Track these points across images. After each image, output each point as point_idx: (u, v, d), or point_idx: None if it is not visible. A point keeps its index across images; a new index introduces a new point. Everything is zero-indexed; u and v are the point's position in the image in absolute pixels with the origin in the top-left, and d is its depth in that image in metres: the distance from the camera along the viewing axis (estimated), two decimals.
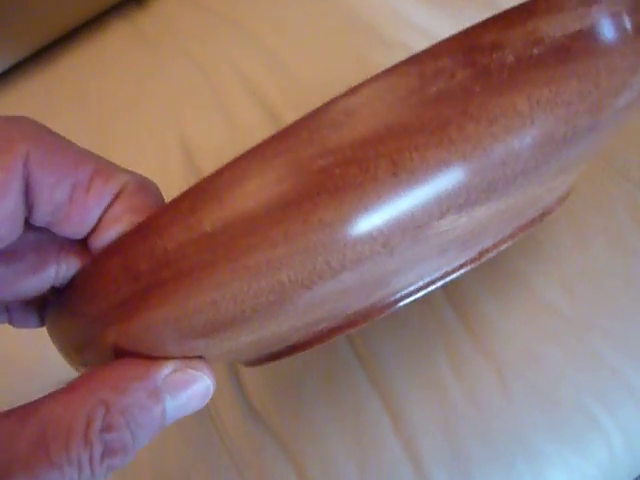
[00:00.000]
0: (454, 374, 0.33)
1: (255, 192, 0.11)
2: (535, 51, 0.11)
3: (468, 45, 0.12)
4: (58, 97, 0.36)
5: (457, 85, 0.11)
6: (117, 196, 0.14)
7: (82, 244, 0.15)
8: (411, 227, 0.11)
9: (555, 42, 0.12)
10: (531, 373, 0.32)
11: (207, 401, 0.15)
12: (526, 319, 0.33)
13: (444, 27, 0.38)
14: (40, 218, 0.14)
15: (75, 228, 0.14)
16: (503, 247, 0.17)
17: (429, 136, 0.11)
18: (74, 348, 0.16)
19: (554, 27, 0.12)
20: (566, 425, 0.32)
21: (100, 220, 0.14)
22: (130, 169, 0.34)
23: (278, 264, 0.11)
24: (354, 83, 0.41)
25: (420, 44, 0.39)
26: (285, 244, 0.11)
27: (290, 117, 0.36)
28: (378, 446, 0.32)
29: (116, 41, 0.38)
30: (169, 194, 0.35)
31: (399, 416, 0.32)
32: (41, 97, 0.36)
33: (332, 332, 0.17)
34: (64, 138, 0.15)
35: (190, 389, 0.15)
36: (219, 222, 0.11)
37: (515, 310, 0.33)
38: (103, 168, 0.14)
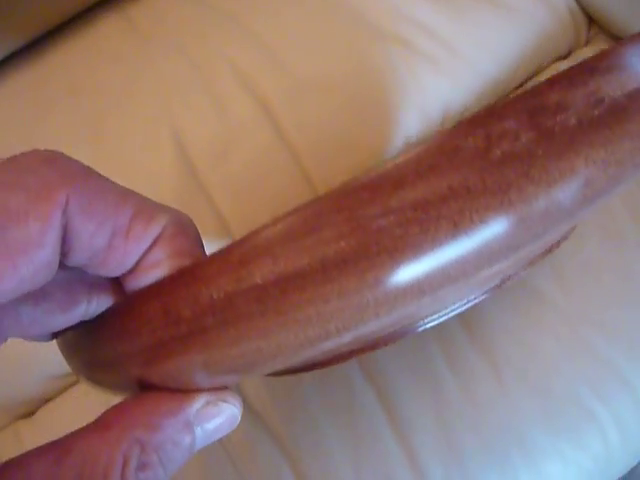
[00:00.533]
0: (449, 367, 0.33)
1: (311, 248, 0.11)
2: (596, 112, 0.12)
3: (533, 106, 0.12)
4: (49, 91, 0.36)
5: (521, 147, 0.11)
6: (157, 240, 0.14)
7: (115, 280, 0.15)
8: (461, 279, 0.12)
9: (614, 102, 0.12)
10: (525, 365, 0.33)
11: (234, 427, 0.16)
12: (521, 312, 0.33)
13: (441, 20, 0.38)
14: (76, 261, 0.13)
15: (111, 271, 0.14)
16: (523, 274, 0.17)
17: (491, 198, 0.11)
18: (89, 369, 0.16)
19: (614, 86, 0.12)
20: (561, 417, 0.33)
21: (138, 262, 0.14)
22: (123, 164, 0.34)
23: (328, 317, 0.11)
24: (349, 76, 0.40)
25: (418, 38, 0.39)
26: (338, 300, 0.11)
27: (284, 110, 0.36)
28: (373, 440, 0.32)
29: (108, 34, 0.37)
30: (161, 188, 0.35)
31: (394, 410, 0.32)
32: (32, 91, 0.36)
33: (353, 353, 0.18)
34: (104, 178, 0.14)
35: (219, 418, 0.15)
36: (271, 276, 0.11)
37: (510, 303, 0.33)
38: (143, 210, 0.13)
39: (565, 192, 0.12)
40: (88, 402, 0.33)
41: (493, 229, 0.11)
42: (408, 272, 0.11)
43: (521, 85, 0.42)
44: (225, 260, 0.12)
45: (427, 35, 0.38)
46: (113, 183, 0.14)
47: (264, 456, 0.32)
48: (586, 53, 0.43)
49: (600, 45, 0.43)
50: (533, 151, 0.11)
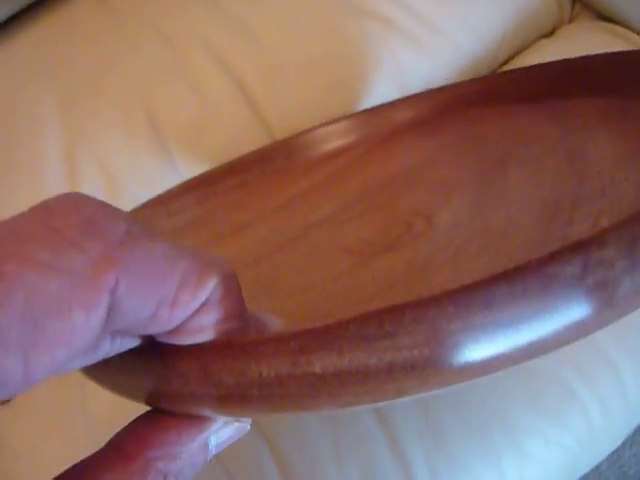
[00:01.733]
0: None
1: (382, 351, 0.11)
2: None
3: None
4: (22, 70, 0.35)
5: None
6: (203, 304, 0.13)
7: None
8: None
9: None
10: None
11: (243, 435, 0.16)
12: None
13: None
14: (114, 329, 0.12)
15: (149, 332, 0.13)
16: None
17: None
18: (104, 384, 0.16)
19: None
20: (543, 397, 0.32)
21: (180, 325, 0.13)
22: (98, 145, 0.34)
23: (380, 400, 0.12)
24: (327, 55, 0.40)
25: (398, 16, 0.38)
26: (396, 395, 0.11)
27: (260, 89, 0.35)
28: (353, 421, 0.31)
29: (82, 13, 0.37)
30: (135, 167, 0.34)
31: None
32: (4, 70, 0.35)
33: None
34: (147, 238, 0.12)
35: (231, 431, 0.15)
36: (332, 368, 0.11)
37: None
38: (190, 276, 0.12)
39: None
40: (65, 383, 0.33)
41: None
42: (465, 377, 0.12)
43: (505, 63, 0.41)
44: (283, 345, 0.12)
45: (407, 13, 0.37)
46: (158, 243, 0.12)
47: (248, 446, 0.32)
48: (570, 30, 0.43)
49: (584, 22, 0.42)
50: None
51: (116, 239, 0.11)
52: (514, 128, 0.30)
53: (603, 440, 0.34)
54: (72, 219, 0.10)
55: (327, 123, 0.35)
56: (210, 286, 0.12)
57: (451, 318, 0.11)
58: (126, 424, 0.14)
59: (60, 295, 0.10)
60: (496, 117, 0.32)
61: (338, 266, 0.23)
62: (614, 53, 0.29)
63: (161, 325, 0.12)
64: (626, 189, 0.21)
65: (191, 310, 0.12)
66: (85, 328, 0.10)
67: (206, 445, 0.14)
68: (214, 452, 0.15)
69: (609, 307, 0.11)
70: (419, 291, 0.19)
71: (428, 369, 0.11)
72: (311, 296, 0.22)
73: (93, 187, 0.33)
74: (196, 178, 0.33)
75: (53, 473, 0.13)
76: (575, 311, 0.11)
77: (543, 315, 0.11)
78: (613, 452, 0.36)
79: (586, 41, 0.40)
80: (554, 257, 0.12)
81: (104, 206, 0.12)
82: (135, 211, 0.30)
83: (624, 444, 0.39)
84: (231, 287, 0.13)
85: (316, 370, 0.11)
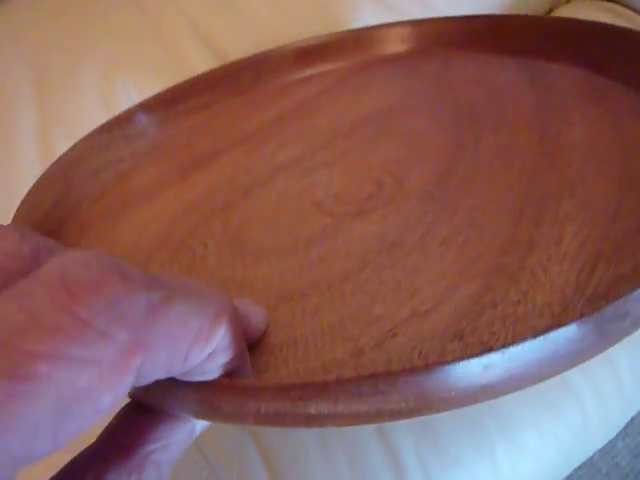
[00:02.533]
0: None
1: (373, 403, 0.12)
2: None
3: None
4: None
5: None
6: (210, 354, 0.13)
7: None
8: None
9: None
10: None
11: None
12: None
13: None
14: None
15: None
16: None
17: None
18: None
19: None
20: (538, 387, 0.31)
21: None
22: (73, 123, 0.32)
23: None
24: (316, 33, 0.38)
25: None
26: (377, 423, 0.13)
27: None
28: None
29: None
30: None
31: None
32: None
33: None
34: (165, 301, 0.12)
35: None
36: (326, 411, 0.13)
37: None
38: (202, 331, 0.12)
39: None
40: None
41: None
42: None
43: None
44: (283, 392, 0.13)
45: None
46: (173, 305, 0.12)
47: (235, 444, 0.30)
48: (568, 9, 0.42)
49: (583, 1, 0.41)
50: None
51: (140, 319, 0.11)
52: (492, 84, 0.29)
53: (598, 431, 0.33)
54: (96, 304, 0.10)
55: (298, 42, 0.34)
56: (218, 338, 0.13)
57: (436, 383, 0.12)
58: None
59: (90, 385, 0.10)
60: (475, 66, 0.31)
61: (309, 227, 0.23)
62: (611, 27, 0.28)
63: (171, 373, 0.12)
64: (592, 190, 0.21)
65: (200, 360, 0.13)
66: (111, 405, 0.11)
67: (193, 431, 0.15)
68: (198, 434, 0.15)
69: None
70: (390, 276, 0.19)
71: (411, 414, 0.13)
72: (283, 264, 0.21)
73: None
74: (156, 97, 0.31)
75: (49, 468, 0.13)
76: None
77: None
78: (606, 443, 0.35)
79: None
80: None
81: (122, 275, 0.11)
82: (92, 136, 0.28)
83: (617, 435, 0.39)
84: (235, 330, 0.14)
85: (311, 412, 0.13)
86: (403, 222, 0.22)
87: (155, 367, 0.11)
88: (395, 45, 0.34)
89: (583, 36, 0.28)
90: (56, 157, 0.28)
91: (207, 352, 0.13)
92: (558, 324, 0.13)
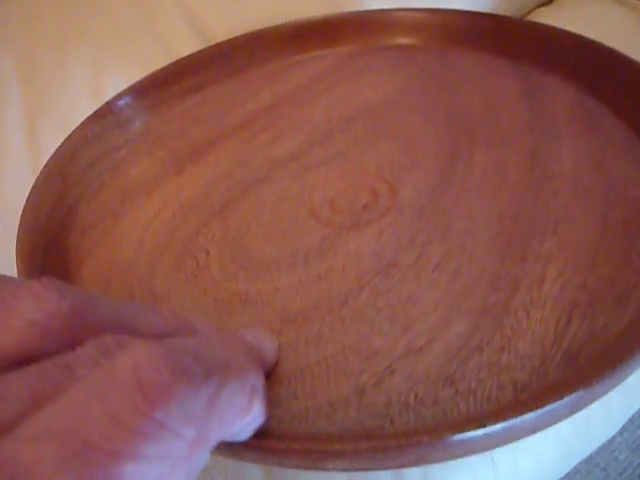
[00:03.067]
0: None
1: (381, 462, 0.14)
2: None
3: None
4: None
5: None
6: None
7: None
8: None
9: None
10: None
11: None
12: None
13: None
14: None
15: None
16: None
17: None
18: None
19: None
20: None
21: None
22: (61, 112, 0.31)
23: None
24: (306, 13, 0.36)
25: None
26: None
27: None
28: None
29: None
30: None
31: None
32: None
33: None
34: (218, 384, 0.13)
35: None
36: (340, 467, 0.15)
37: None
38: (243, 409, 0.14)
39: None
40: None
41: None
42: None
43: None
44: (305, 454, 0.15)
45: None
46: (223, 391, 0.13)
47: None
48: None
49: None
50: None
51: (202, 414, 0.12)
52: (487, 89, 0.30)
53: (599, 427, 0.33)
54: (170, 408, 0.11)
55: (295, 21, 0.34)
56: (255, 410, 0.14)
57: (438, 450, 0.14)
58: None
59: (163, 475, 0.11)
60: (472, 67, 0.31)
61: (307, 237, 0.24)
62: (608, 51, 0.28)
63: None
64: (574, 229, 0.22)
65: (238, 429, 0.14)
66: None
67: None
68: None
69: None
70: (386, 303, 0.21)
71: (413, 466, 0.15)
72: (284, 280, 0.22)
73: None
74: (147, 79, 0.30)
75: None
76: None
77: None
78: None
79: (587, 8, 0.38)
80: None
81: (187, 374, 0.12)
82: (85, 126, 0.28)
83: None
84: (266, 401, 0.15)
85: (328, 467, 0.15)
86: (397, 239, 0.23)
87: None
88: (395, 33, 0.33)
89: (579, 55, 0.28)
90: (44, 149, 0.27)
91: (246, 423, 0.14)
92: (538, 385, 0.15)
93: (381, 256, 0.23)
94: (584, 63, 0.28)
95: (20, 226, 0.22)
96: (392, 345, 0.19)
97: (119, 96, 0.30)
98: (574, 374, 0.16)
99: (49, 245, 0.23)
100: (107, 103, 0.29)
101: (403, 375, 0.18)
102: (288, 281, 0.22)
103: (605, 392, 0.15)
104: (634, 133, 0.25)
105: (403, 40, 0.33)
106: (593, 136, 0.26)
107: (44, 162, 0.26)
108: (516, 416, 0.14)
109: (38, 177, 0.25)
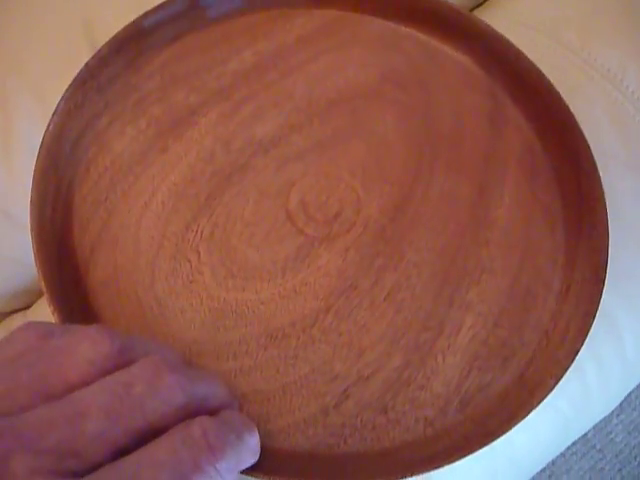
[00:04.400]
0: None
1: None
2: None
3: None
4: None
5: None
6: None
7: None
8: None
9: None
10: None
11: None
12: None
13: None
14: None
15: None
16: None
17: None
18: None
19: None
20: None
21: None
22: (30, 70, 0.28)
23: None
24: None
25: None
26: None
27: None
28: None
29: None
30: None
31: None
32: None
33: None
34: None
35: None
36: None
37: None
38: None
39: None
40: None
41: None
42: None
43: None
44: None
45: None
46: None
47: None
48: None
49: None
50: None
51: (234, 466, 0.19)
52: (460, 104, 0.32)
53: (598, 403, 0.32)
54: (225, 464, 0.18)
55: None
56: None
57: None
58: None
59: None
60: (453, 71, 0.32)
61: (285, 244, 0.28)
62: (565, 109, 0.30)
63: None
64: (492, 284, 0.27)
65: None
66: None
67: None
68: None
69: None
70: (346, 329, 0.27)
71: None
72: (267, 292, 0.27)
73: (28, 119, 0.30)
74: (125, 30, 0.28)
75: None
76: None
77: None
78: (600, 419, 0.34)
79: None
80: None
81: (232, 443, 0.19)
82: (68, 99, 0.27)
83: (611, 411, 0.37)
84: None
85: None
86: (360, 260, 0.28)
87: None
88: (387, 9, 0.32)
89: (539, 99, 0.31)
90: (14, 110, 0.26)
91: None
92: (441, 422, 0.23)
93: (345, 276, 0.28)
94: (543, 109, 0.31)
95: (31, 226, 0.24)
96: (348, 370, 0.26)
97: (99, 55, 0.28)
98: (463, 421, 0.25)
99: (60, 242, 0.26)
100: (86, 65, 0.27)
101: (354, 400, 0.25)
102: (270, 293, 0.27)
103: (484, 444, 0.24)
104: (559, 197, 0.30)
105: (394, 20, 0.33)
106: (530, 190, 0.30)
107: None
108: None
109: (35, 170, 0.25)
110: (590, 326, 0.25)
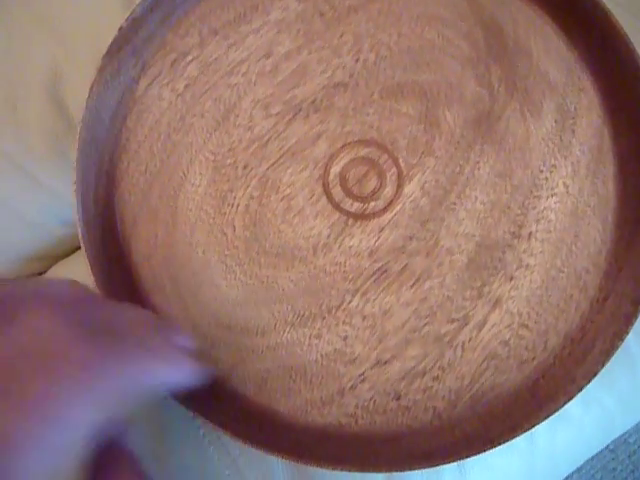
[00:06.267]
0: None
1: None
2: None
3: None
4: None
5: None
6: None
7: None
8: None
9: None
10: None
11: None
12: None
13: None
14: None
15: None
16: None
17: None
18: None
19: None
20: None
21: None
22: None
23: None
24: None
25: None
26: None
27: None
28: None
29: None
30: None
31: None
32: None
33: None
34: None
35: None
36: None
37: None
38: None
39: None
40: None
41: None
42: None
43: None
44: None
45: None
46: None
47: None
48: None
49: None
50: None
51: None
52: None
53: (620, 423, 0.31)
54: None
55: None
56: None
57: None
58: None
59: None
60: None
61: (318, 221, 0.28)
62: None
63: None
64: (526, 280, 0.26)
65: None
66: None
67: None
68: None
69: None
70: (370, 312, 0.27)
71: None
72: (297, 270, 0.28)
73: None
74: None
75: None
76: None
77: None
78: None
79: None
80: None
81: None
82: (103, 68, 0.26)
83: None
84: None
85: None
86: (392, 242, 0.28)
87: None
88: None
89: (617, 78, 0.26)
90: None
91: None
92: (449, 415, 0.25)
93: (376, 257, 0.28)
94: None
95: (83, 235, 0.25)
96: (368, 354, 0.27)
97: (131, 15, 0.26)
98: (469, 418, 0.26)
99: (103, 219, 0.27)
100: (121, 30, 0.26)
101: (370, 383, 0.27)
102: (299, 272, 0.28)
103: (482, 451, 0.25)
104: (621, 190, 0.27)
105: None
106: (589, 180, 0.27)
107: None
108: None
109: (77, 149, 0.25)
110: (616, 350, 0.24)
